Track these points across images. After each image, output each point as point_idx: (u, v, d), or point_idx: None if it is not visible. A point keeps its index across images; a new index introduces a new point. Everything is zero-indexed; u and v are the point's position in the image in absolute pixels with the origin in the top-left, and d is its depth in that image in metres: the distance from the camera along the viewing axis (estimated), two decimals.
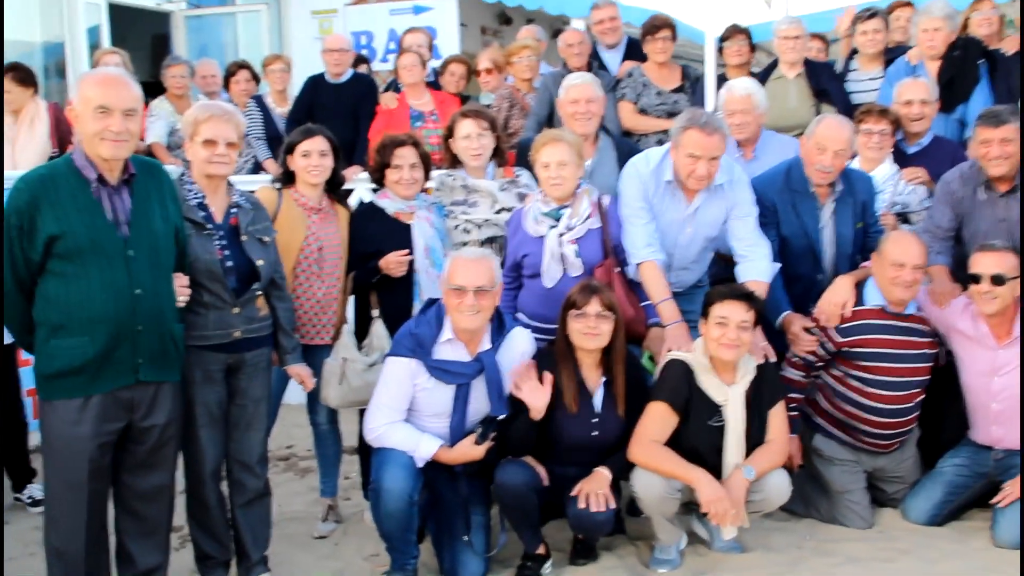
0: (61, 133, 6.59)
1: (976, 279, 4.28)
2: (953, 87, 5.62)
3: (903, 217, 5.10)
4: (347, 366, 4.28)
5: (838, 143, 4.57)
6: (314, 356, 4.32)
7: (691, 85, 6.40)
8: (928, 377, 4.52)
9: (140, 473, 3.55)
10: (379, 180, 4.61)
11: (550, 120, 6.39)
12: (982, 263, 4.28)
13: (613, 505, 3.97)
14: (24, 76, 6.49)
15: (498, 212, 4.61)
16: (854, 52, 6.28)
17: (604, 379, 4.12)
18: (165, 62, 7.43)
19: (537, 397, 3.94)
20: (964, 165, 4.80)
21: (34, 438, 5.28)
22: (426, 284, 4.45)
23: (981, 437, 4.49)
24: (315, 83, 7.04)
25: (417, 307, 4.39)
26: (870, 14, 6.05)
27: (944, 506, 4.48)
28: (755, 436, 4.09)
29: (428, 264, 4.47)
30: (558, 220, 4.32)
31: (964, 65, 5.61)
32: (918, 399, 4.52)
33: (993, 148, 4.51)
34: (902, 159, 5.25)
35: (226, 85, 7.49)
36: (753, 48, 6.47)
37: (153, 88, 7.21)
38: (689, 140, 4.28)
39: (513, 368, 4.02)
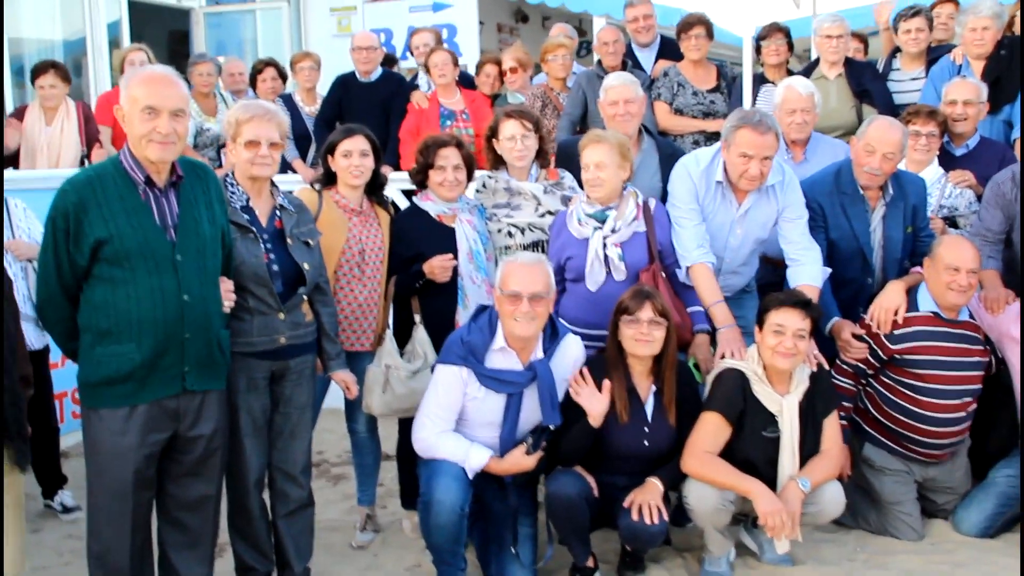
0: (89, 132, 6.51)
1: None
2: (1000, 87, 5.49)
3: (950, 221, 5.01)
4: (391, 373, 4.17)
5: (888, 145, 4.47)
6: (354, 363, 4.20)
7: (727, 85, 6.31)
8: (980, 386, 4.43)
9: (185, 483, 3.46)
10: (421, 182, 4.50)
11: (584, 120, 6.32)
12: None
13: (666, 516, 3.88)
14: (65, 74, 6.43)
15: (542, 215, 4.51)
16: (896, 51, 6.16)
17: (654, 387, 4.03)
18: (191, 59, 7.31)
19: (596, 404, 3.85)
20: (1015, 166, 4.69)
21: (63, 442, 5.23)
22: (469, 289, 4.36)
23: None
24: (344, 81, 6.94)
25: (460, 312, 4.30)
26: (913, 12, 5.93)
27: (997, 518, 4.39)
28: (809, 446, 4.00)
29: (472, 268, 4.37)
30: (602, 222, 4.22)
31: (1011, 64, 5.49)
32: (970, 408, 4.41)
33: None
34: (948, 161, 5.15)
35: (252, 83, 7.38)
36: (791, 47, 6.34)
37: None
38: (742, 139, 4.19)
39: (572, 375, 3.92)
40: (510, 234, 4.49)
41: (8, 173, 4.94)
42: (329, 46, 9.09)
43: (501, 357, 3.87)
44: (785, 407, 3.94)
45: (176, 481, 3.45)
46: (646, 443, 3.99)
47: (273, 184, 3.83)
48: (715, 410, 3.94)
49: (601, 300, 4.12)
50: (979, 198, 4.89)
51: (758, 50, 6.37)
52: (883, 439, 4.47)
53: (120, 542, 3.32)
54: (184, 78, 7.14)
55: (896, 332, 4.33)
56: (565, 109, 6.40)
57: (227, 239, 3.50)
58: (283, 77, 7.34)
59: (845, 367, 4.46)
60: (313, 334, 3.86)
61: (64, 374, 5.53)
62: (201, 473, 3.47)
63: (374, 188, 4.44)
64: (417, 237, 4.36)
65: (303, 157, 6.97)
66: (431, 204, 4.43)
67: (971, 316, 4.43)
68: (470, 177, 4.53)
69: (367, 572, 4.28)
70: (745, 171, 4.22)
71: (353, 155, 4.28)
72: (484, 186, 4.62)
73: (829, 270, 4.46)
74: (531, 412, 3.91)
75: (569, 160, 4.70)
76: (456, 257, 4.31)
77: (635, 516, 3.80)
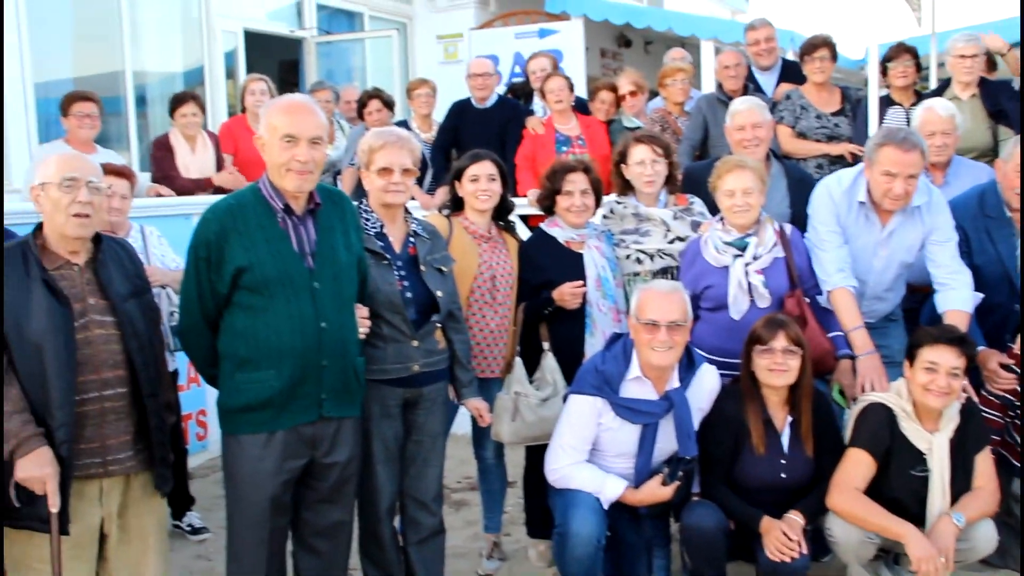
0: (217, 159, 6.66)
1: None
2: None
3: None
4: (520, 401, 4.11)
5: None
6: (483, 389, 4.15)
7: (852, 107, 6.13)
8: None
9: (320, 509, 3.45)
10: (548, 207, 4.45)
11: (704, 144, 6.22)
12: None
13: (806, 551, 3.73)
14: (202, 104, 6.67)
15: (671, 241, 4.42)
16: None
17: (791, 418, 3.90)
18: (311, 87, 7.42)
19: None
20: None
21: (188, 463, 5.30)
22: (598, 316, 4.27)
23: None
24: (461, 108, 6.95)
25: (589, 340, 4.23)
26: None
27: None
28: (959, 485, 3.81)
29: (600, 296, 4.29)
30: (742, 249, 4.12)
31: None
32: None
33: None
34: None
35: (359, 115, 7.37)
36: (919, 68, 6.14)
37: None
38: (885, 157, 4.05)
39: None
40: (639, 260, 4.40)
41: (138, 201, 5.03)
42: (436, 73, 9.14)
43: (636, 387, 3.78)
44: (936, 446, 3.77)
45: (311, 508, 3.45)
46: (783, 475, 3.87)
47: (407, 210, 3.83)
48: (861, 447, 3.79)
49: (744, 328, 4.00)
50: None
51: (883, 71, 6.19)
52: None
53: (256, 567, 3.32)
54: None
55: None
56: (685, 134, 6.31)
57: (363, 266, 3.50)
58: (388, 106, 7.29)
59: (992, 398, 4.25)
60: (446, 361, 3.83)
61: (189, 396, 5.64)
62: (336, 500, 3.46)
63: (502, 213, 4.42)
64: (546, 263, 4.30)
65: (419, 183, 6.97)
66: (559, 230, 4.38)
67: None
68: (598, 203, 4.46)
69: None
70: (889, 190, 4.07)
71: (481, 180, 4.27)
72: (612, 212, 4.55)
73: (981, 295, 4.26)
74: (666, 442, 3.82)
75: (696, 186, 4.61)
76: (585, 284, 4.25)
77: (773, 552, 3.67)
